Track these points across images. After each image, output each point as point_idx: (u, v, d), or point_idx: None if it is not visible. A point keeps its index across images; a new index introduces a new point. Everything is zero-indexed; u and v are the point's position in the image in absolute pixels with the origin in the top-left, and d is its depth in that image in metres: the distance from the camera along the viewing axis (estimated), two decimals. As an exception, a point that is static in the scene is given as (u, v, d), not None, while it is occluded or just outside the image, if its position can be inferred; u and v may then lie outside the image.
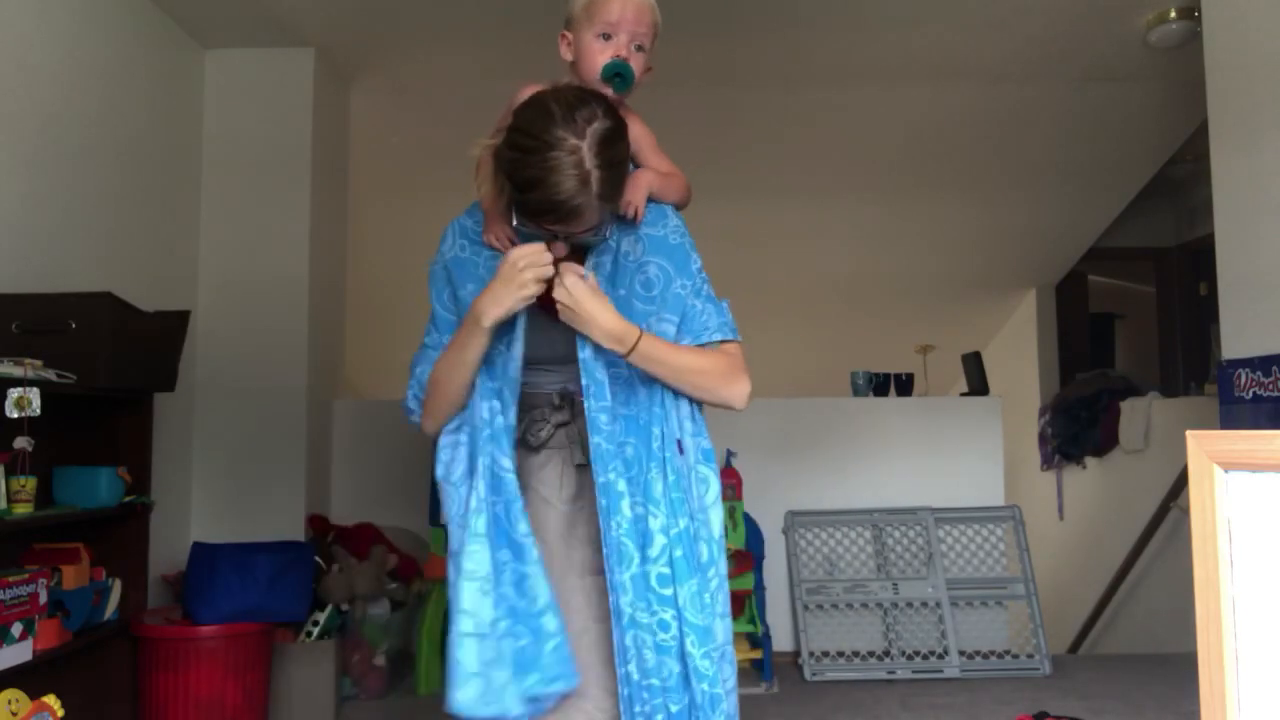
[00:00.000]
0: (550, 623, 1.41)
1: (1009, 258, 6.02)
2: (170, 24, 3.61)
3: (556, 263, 1.43)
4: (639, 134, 1.57)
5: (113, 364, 2.56)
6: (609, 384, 1.48)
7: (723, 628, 1.49)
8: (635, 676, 1.41)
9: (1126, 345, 6.90)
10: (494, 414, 1.48)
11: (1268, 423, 2.91)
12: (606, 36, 1.51)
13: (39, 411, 2.27)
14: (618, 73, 1.49)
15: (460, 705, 1.39)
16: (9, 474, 2.35)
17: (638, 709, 1.41)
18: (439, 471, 1.54)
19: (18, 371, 2.26)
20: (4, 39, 2.68)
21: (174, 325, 2.97)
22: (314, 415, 3.92)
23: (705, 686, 1.41)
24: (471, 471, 1.47)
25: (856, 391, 4.62)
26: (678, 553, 1.44)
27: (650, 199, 1.55)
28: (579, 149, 1.35)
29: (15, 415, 2.24)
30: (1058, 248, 5.98)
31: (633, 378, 1.50)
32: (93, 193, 3.11)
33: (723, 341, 1.55)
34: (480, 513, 1.44)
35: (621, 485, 1.44)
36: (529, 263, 1.40)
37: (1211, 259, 3.25)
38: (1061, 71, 4.23)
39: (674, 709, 1.41)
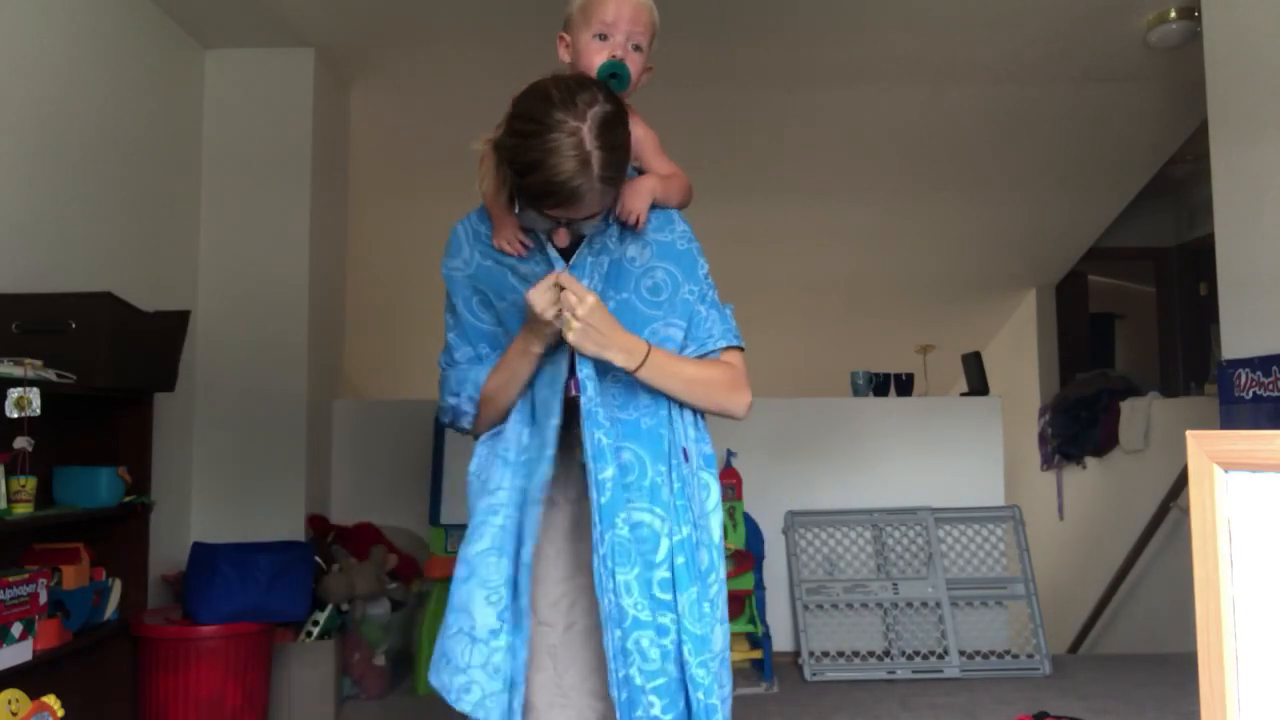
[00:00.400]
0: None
1: (1009, 258, 6.02)
2: (170, 24, 3.61)
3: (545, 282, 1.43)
4: (641, 135, 1.56)
5: (113, 364, 2.56)
6: (610, 388, 1.48)
7: (721, 634, 1.48)
8: (639, 680, 1.39)
9: (1126, 345, 6.90)
10: (531, 439, 1.48)
11: (1268, 423, 2.91)
12: (603, 37, 1.51)
13: (39, 411, 2.27)
14: (613, 73, 1.48)
15: (442, 688, 1.44)
16: (9, 474, 2.35)
17: (639, 713, 1.39)
18: (471, 466, 1.56)
19: (18, 371, 2.26)
20: (4, 39, 2.68)
21: (174, 325, 2.97)
22: (314, 415, 3.92)
23: (701, 695, 1.40)
24: (500, 484, 1.49)
25: (856, 391, 4.62)
26: (680, 560, 1.43)
27: (654, 205, 1.55)
28: (579, 130, 1.34)
29: (15, 415, 2.24)
30: (1058, 248, 5.98)
31: (633, 383, 1.49)
32: (93, 192, 3.11)
33: (727, 348, 1.55)
34: (505, 528, 1.46)
35: (622, 483, 1.44)
36: (544, 306, 1.41)
37: (1211, 259, 3.25)
38: (1061, 71, 4.23)
39: (667, 717, 1.40)
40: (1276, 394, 2.90)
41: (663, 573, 1.42)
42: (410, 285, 5.42)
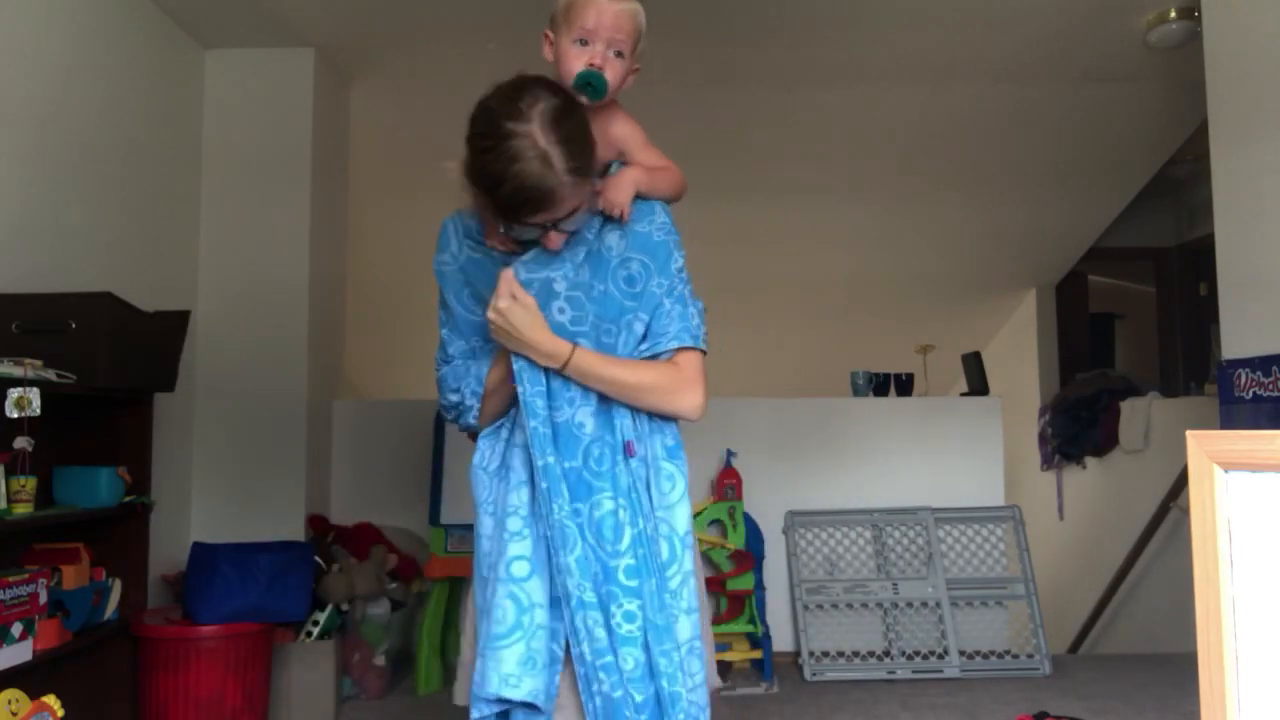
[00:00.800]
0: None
1: (1009, 258, 6.02)
2: (170, 24, 3.61)
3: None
4: (626, 131, 1.58)
5: (113, 364, 2.56)
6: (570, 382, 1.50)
7: (689, 624, 1.48)
8: (589, 657, 1.42)
9: (1126, 345, 6.90)
10: (547, 411, 1.50)
11: (1268, 423, 2.91)
12: (584, 43, 1.51)
13: (39, 411, 2.27)
14: (588, 82, 1.49)
15: (532, 693, 1.41)
16: (9, 474, 2.35)
17: (595, 688, 1.42)
18: (475, 459, 1.56)
19: (18, 371, 2.26)
20: (4, 39, 2.68)
21: (174, 325, 2.97)
22: (314, 415, 3.92)
23: (664, 684, 1.43)
24: (530, 474, 1.50)
25: (856, 391, 4.61)
26: (640, 551, 1.46)
27: (639, 197, 1.55)
28: (531, 132, 1.36)
29: (15, 415, 2.24)
30: (1058, 248, 5.98)
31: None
32: (93, 192, 3.11)
33: (679, 349, 1.53)
34: (536, 516, 1.48)
35: (558, 470, 1.46)
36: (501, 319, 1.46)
37: (1211, 259, 3.25)
38: (1061, 71, 4.23)
39: (638, 699, 1.42)
40: (1276, 394, 2.90)
41: (628, 560, 1.45)
42: (410, 285, 5.41)
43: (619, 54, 1.53)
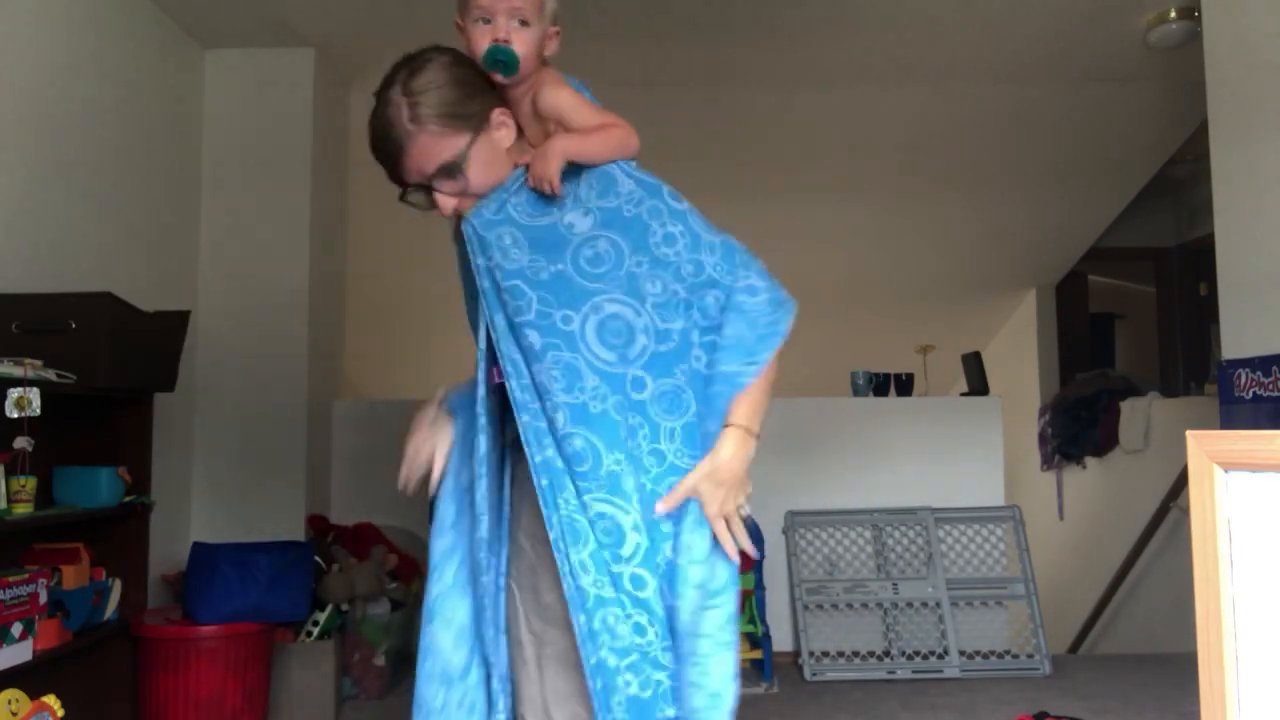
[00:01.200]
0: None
1: (1009, 258, 6.02)
2: (170, 24, 3.61)
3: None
4: (556, 97, 1.48)
5: (112, 364, 2.56)
6: (550, 370, 1.38)
7: (728, 661, 1.38)
8: (611, 662, 1.31)
9: (1126, 345, 6.90)
10: (486, 446, 1.44)
11: (1268, 423, 2.91)
12: (486, 20, 1.46)
13: (39, 411, 2.27)
14: (497, 59, 1.44)
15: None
16: (9, 474, 2.35)
17: (615, 699, 1.30)
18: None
19: (18, 371, 2.26)
20: (4, 39, 2.68)
21: (174, 325, 2.97)
22: (314, 415, 3.92)
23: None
24: (456, 521, 1.50)
25: (856, 391, 4.61)
26: (659, 557, 1.38)
27: (583, 165, 1.43)
28: (388, 91, 1.42)
29: (15, 415, 2.24)
30: (1058, 248, 5.98)
31: (576, 365, 1.39)
32: (93, 193, 3.11)
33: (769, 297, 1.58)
34: (461, 561, 1.48)
35: (560, 463, 1.35)
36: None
37: (1211, 259, 3.25)
38: (1061, 71, 4.23)
39: (645, 694, 1.32)
40: (1276, 394, 2.90)
41: (635, 569, 1.33)
42: (410, 285, 5.41)
43: (523, 22, 1.44)
